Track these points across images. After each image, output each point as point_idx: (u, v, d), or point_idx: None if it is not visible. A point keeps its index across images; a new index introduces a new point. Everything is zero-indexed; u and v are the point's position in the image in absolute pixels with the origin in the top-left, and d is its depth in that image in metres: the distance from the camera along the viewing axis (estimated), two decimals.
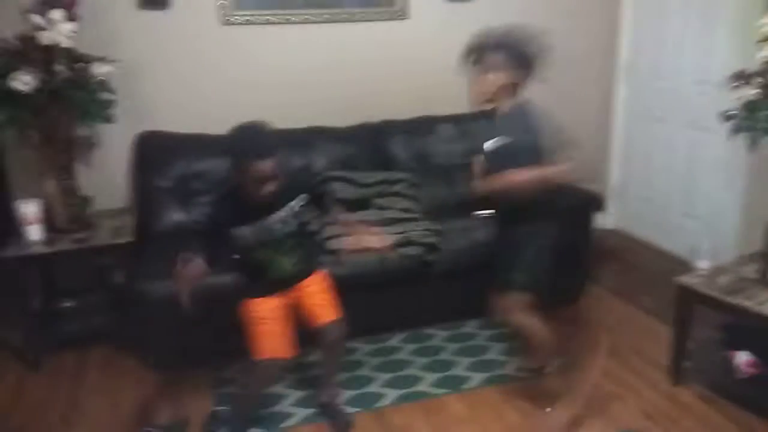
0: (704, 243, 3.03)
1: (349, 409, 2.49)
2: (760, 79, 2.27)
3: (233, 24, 3.32)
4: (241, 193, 2.10)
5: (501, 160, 2.13)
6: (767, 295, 2.32)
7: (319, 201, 2.40)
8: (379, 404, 2.53)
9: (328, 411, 2.45)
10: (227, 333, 2.23)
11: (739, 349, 2.47)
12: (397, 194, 3.25)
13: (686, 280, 2.53)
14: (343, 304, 2.75)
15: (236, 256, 2.23)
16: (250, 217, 2.12)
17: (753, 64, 2.37)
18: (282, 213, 2.17)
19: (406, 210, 3.16)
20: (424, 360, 2.82)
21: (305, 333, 2.28)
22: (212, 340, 2.25)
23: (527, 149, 2.10)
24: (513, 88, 2.14)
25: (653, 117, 3.93)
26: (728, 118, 2.43)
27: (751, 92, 2.28)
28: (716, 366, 2.54)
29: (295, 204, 2.20)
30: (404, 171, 3.38)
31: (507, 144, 2.12)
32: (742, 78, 2.36)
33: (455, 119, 3.45)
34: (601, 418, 2.42)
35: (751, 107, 2.27)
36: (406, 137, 3.48)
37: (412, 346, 2.93)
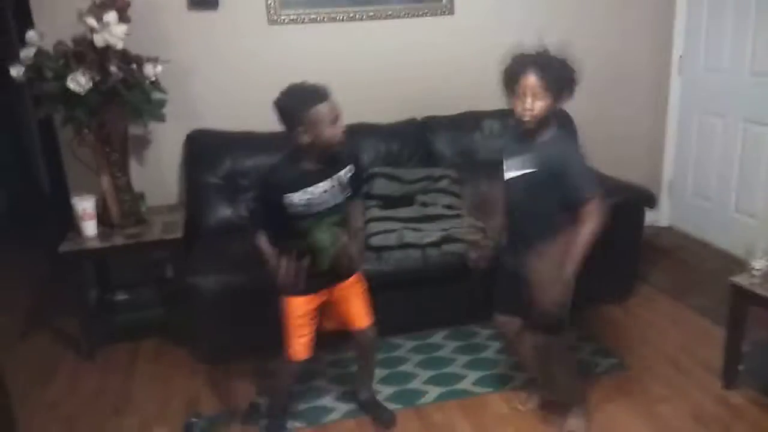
0: (760, 241, 2.91)
1: (390, 406, 2.50)
2: None
3: (280, 23, 3.37)
4: (294, 158, 2.06)
5: (530, 189, 2.05)
6: None
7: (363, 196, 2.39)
8: (420, 401, 2.53)
9: (369, 407, 2.47)
10: (275, 324, 2.26)
11: None
12: (440, 191, 3.25)
13: (740, 279, 2.44)
14: (386, 300, 2.78)
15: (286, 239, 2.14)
16: (300, 183, 2.04)
17: None
18: (330, 181, 2.08)
19: (449, 207, 3.15)
20: (466, 358, 2.80)
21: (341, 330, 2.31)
22: (260, 331, 2.30)
23: (565, 180, 1.98)
24: (548, 111, 2.01)
25: (709, 111, 3.79)
26: None
27: None
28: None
29: (344, 174, 2.12)
30: (448, 167, 3.37)
31: (539, 175, 2.02)
32: None
33: (500, 115, 3.41)
34: (648, 423, 2.36)
35: None
36: (450, 133, 3.47)
37: (454, 344, 2.92)
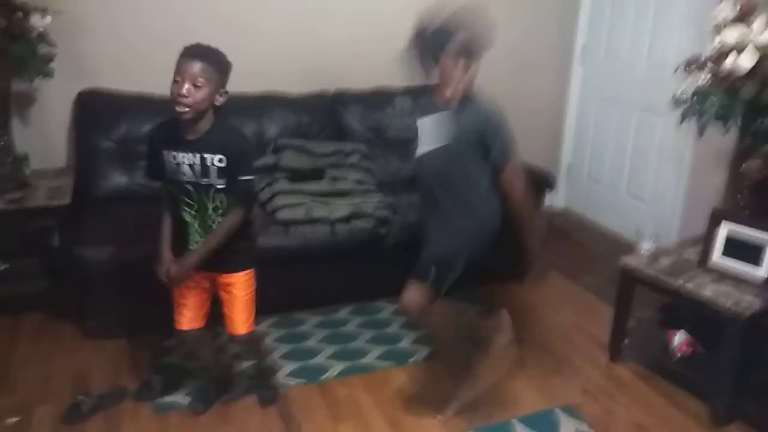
0: (648, 225, 3.11)
1: (293, 381, 2.46)
2: (712, 66, 2.30)
3: None
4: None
5: (448, 158, 2.05)
6: (706, 277, 2.39)
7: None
8: (323, 377, 2.51)
9: (255, 384, 2.42)
10: (170, 298, 2.15)
11: (676, 328, 2.55)
12: (350, 165, 3.21)
13: (628, 261, 2.59)
14: (292, 275, 2.74)
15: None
16: (171, 143, 1.93)
17: (706, 51, 2.40)
18: (192, 157, 1.92)
19: (359, 182, 3.12)
20: (371, 333, 2.81)
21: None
22: (154, 306, 2.18)
23: (488, 144, 2.01)
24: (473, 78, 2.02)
25: (607, 98, 3.98)
26: (679, 102, 2.47)
27: (702, 78, 2.31)
28: (654, 345, 2.61)
29: (210, 158, 1.92)
30: (359, 142, 3.34)
31: (463, 141, 2.02)
32: (695, 64, 2.39)
33: (413, 92, 3.40)
34: (541, 393, 2.47)
35: (701, 93, 2.30)
36: (361, 108, 3.43)
37: (359, 319, 2.92)
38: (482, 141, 2.02)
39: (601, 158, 4.06)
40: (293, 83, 3.39)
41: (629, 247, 3.02)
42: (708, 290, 2.30)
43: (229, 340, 2.40)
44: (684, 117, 2.40)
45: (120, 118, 2.99)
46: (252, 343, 2.32)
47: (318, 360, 2.61)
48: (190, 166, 1.93)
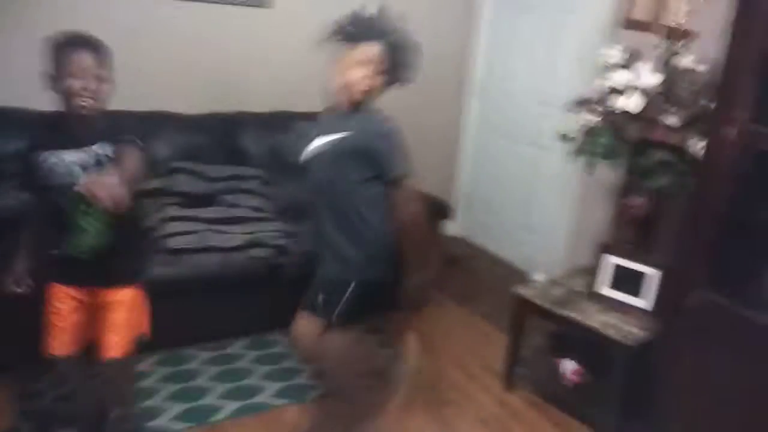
0: (540, 256, 3.25)
1: (180, 425, 2.29)
2: (598, 107, 2.43)
3: None
4: (56, 115, 1.79)
5: (334, 161, 1.90)
6: (593, 307, 2.49)
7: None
8: (214, 418, 2.35)
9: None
10: (32, 335, 1.92)
11: (565, 356, 2.63)
12: (247, 191, 3.09)
13: (521, 291, 2.66)
14: (181, 307, 2.56)
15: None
16: (55, 143, 1.77)
17: (592, 91, 2.54)
18: (85, 153, 1.76)
19: (256, 209, 3.01)
20: (266, 368, 2.68)
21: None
22: (18, 343, 1.93)
23: (377, 156, 1.87)
24: (377, 90, 1.89)
25: (500, 133, 4.13)
26: (566, 139, 2.59)
27: (591, 118, 2.43)
28: (545, 373, 2.69)
29: (101, 149, 1.76)
30: (256, 167, 3.22)
31: (351, 141, 1.85)
32: (584, 104, 2.51)
33: (313, 117, 3.35)
34: (438, 425, 2.46)
35: (591, 133, 2.42)
36: (260, 131, 3.32)
37: (253, 353, 2.78)
38: (372, 155, 1.87)
39: (495, 189, 4.20)
40: (185, 102, 3.22)
41: (522, 276, 3.14)
42: (596, 320, 2.40)
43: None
44: (575, 154, 2.51)
45: None
46: (122, 370, 2.01)
47: (208, 400, 2.45)
48: (81, 163, 1.76)
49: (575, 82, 3.40)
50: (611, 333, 2.32)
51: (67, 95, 1.71)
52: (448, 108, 4.25)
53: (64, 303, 1.90)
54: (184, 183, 2.97)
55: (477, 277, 3.91)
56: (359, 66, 1.83)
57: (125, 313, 1.92)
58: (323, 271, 2.04)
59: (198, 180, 3.01)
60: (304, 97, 3.25)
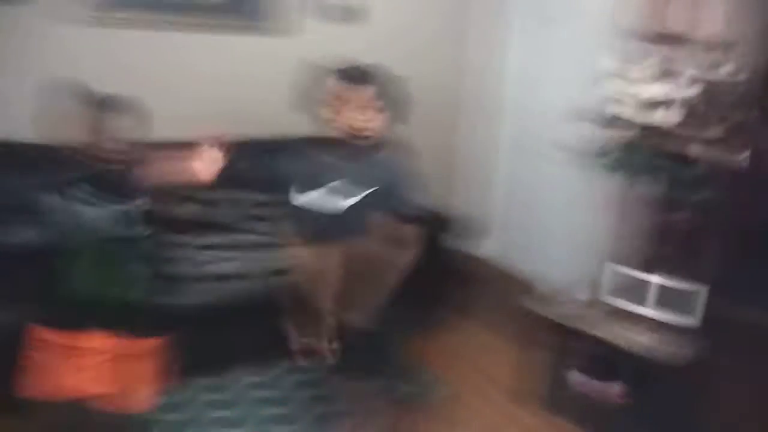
0: (556, 271, 3.17)
1: None
2: (633, 121, 2.39)
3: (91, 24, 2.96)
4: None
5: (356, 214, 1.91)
6: (601, 318, 2.45)
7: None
8: None
9: None
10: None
11: (610, 380, 2.55)
12: (257, 218, 3.10)
13: (531, 305, 2.63)
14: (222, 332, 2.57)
15: None
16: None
17: (624, 105, 2.48)
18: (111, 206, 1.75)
19: (267, 235, 2.99)
20: (305, 393, 2.66)
21: None
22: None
23: (397, 198, 1.92)
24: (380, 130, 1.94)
25: (528, 150, 4.06)
26: (598, 153, 2.54)
27: (626, 133, 2.39)
28: (557, 387, 2.63)
29: (135, 204, 1.78)
30: (263, 193, 3.18)
31: (375, 196, 1.89)
32: (615, 118, 2.47)
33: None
34: None
35: (628, 148, 2.38)
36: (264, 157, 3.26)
37: (291, 379, 2.76)
38: (392, 198, 1.92)
39: (517, 207, 4.15)
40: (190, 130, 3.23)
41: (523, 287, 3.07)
42: (636, 341, 2.33)
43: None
44: (612, 169, 2.47)
45: None
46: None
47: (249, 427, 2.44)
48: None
49: (601, 95, 3.35)
50: (653, 355, 2.26)
51: None
52: (482, 126, 4.22)
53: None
54: (194, 211, 2.97)
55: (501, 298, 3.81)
56: (361, 108, 1.88)
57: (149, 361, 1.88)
58: None
59: (204, 206, 3.01)
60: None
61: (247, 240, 2.96)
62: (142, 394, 1.89)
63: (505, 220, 4.35)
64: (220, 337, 2.67)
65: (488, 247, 4.30)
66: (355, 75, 1.91)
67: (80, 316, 1.81)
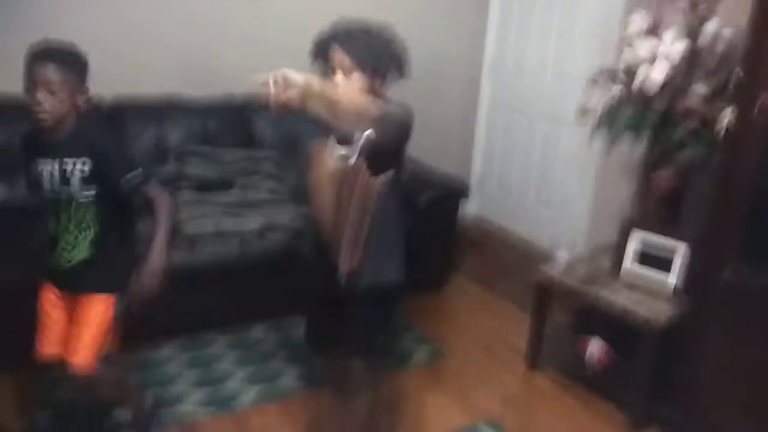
0: (560, 234, 3.17)
1: (202, 410, 2.28)
2: (623, 78, 2.35)
3: None
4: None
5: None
6: (619, 286, 2.44)
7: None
8: (236, 403, 2.34)
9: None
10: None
11: (591, 334, 2.58)
12: (262, 174, 3.04)
13: (544, 270, 2.61)
14: (200, 293, 2.54)
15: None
16: (34, 150, 1.79)
17: (613, 62, 2.45)
18: (52, 164, 1.76)
19: (271, 191, 2.97)
20: (286, 352, 2.65)
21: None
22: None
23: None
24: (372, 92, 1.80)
25: (515, 109, 4.04)
26: (585, 113, 2.51)
27: (615, 90, 2.35)
28: (570, 352, 2.64)
29: (73, 164, 1.75)
30: (270, 149, 3.17)
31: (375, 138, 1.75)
32: (605, 75, 2.43)
33: None
34: (461, 406, 2.43)
35: (614, 106, 2.34)
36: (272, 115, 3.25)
37: (274, 337, 2.76)
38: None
39: (510, 167, 4.12)
40: (197, 85, 3.17)
41: (541, 255, 3.08)
42: (622, 299, 2.35)
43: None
44: (596, 128, 2.44)
45: None
46: (87, 383, 1.90)
47: (230, 385, 2.43)
48: (50, 174, 1.77)
49: (590, 53, 3.32)
50: (639, 312, 2.27)
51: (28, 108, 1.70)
52: (461, 85, 4.17)
53: (44, 303, 1.89)
54: (197, 167, 2.94)
55: (497, 257, 3.86)
56: (346, 74, 1.76)
57: (91, 323, 1.85)
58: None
59: (211, 163, 2.97)
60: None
61: (257, 197, 2.91)
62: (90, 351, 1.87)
63: (485, 179, 4.36)
64: (234, 292, 2.69)
65: (471, 209, 4.31)
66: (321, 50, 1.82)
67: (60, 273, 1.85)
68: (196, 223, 2.65)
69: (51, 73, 1.66)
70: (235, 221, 2.71)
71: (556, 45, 3.69)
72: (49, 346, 1.87)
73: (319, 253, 1.94)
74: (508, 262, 3.76)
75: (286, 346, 2.69)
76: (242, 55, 3.30)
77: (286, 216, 2.80)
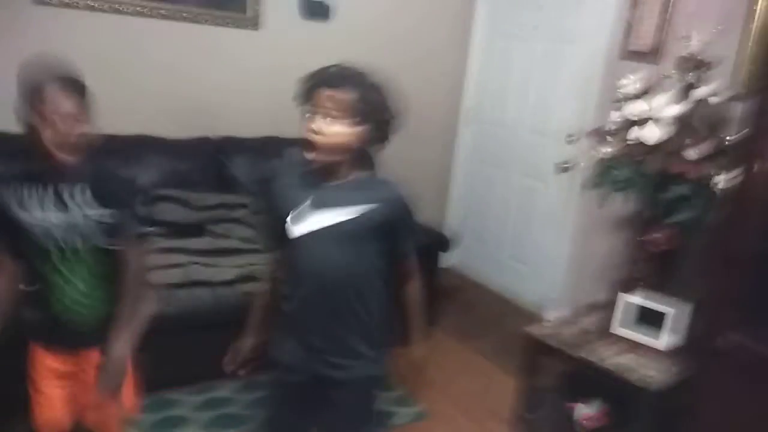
0: (538, 291, 3.13)
1: None
2: (615, 138, 2.34)
3: (47, 4, 2.76)
4: (33, 153, 1.54)
5: (357, 239, 1.55)
6: (610, 348, 2.36)
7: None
8: None
9: None
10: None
11: (580, 401, 2.49)
12: (236, 221, 2.90)
13: (532, 331, 2.51)
14: (164, 347, 2.33)
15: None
16: (33, 185, 1.55)
17: (607, 122, 2.45)
18: (68, 201, 1.55)
19: (246, 240, 2.82)
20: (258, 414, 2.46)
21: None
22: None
23: (401, 229, 1.61)
24: (362, 149, 1.57)
25: (492, 162, 4.03)
26: (566, 169, 2.48)
27: (607, 150, 2.33)
28: (558, 418, 2.54)
29: (81, 192, 1.57)
30: (245, 195, 3.04)
31: (380, 214, 1.54)
32: (597, 134, 2.42)
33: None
34: None
35: (607, 164, 2.32)
36: (249, 158, 3.14)
37: (247, 397, 2.56)
38: (395, 228, 1.59)
39: (486, 220, 4.08)
40: (171, 126, 3.04)
41: (520, 311, 2.99)
42: (614, 362, 2.27)
43: None
44: (588, 186, 2.41)
45: None
46: None
47: None
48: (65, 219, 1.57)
49: (571, 113, 3.35)
50: (632, 376, 2.19)
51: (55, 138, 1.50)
52: (439, 135, 4.14)
53: (42, 372, 1.66)
54: (169, 211, 2.78)
55: (475, 312, 3.75)
56: (335, 116, 1.49)
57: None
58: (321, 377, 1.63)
59: (184, 208, 2.81)
60: (293, 123, 3.10)
61: (232, 245, 2.77)
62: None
63: (461, 231, 4.29)
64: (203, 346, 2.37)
65: (446, 260, 4.23)
66: (335, 76, 1.55)
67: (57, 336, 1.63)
68: (165, 273, 2.47)
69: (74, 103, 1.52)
70: (208, 271, 2.54)
71: (536, 99, 3.71)
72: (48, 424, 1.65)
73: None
74: (485, 318, 3.66)
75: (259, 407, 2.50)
76: (220, 98, 3.21)
77: (260, 266, 2.64)
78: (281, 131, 3.18)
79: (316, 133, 1.48)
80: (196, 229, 2.77)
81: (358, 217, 1.53)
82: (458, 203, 4.29)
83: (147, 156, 2.89)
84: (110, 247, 1.61)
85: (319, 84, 1.51)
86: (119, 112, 2.89)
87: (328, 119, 1.48)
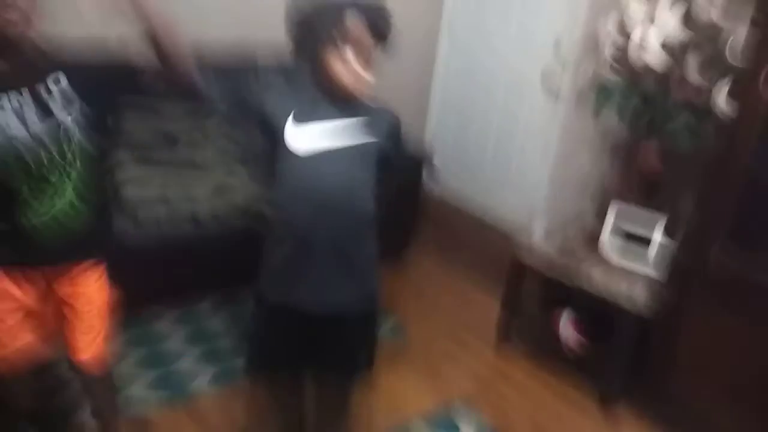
0: (520, 209, 3.07)
1: (153, 394, 2.04)
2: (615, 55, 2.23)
3: None
4: None
5: (358, 165, 1.49)
6: (597, 263, 2.35)
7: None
8: (190, 386, 2.11)
9: None
10: None
11: (561, 308, 2.52)
12: (210, 131, 2.73)
13: (521, 241, 2.51)
14: (142, 267, 2.23)
15: None
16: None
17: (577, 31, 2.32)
18: (21, 97, 1.34)
19: (222, 151, 2.67)
20: (238, 329, 2.43)
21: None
22: None
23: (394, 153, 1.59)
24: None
25: (474, 77, 3.88)
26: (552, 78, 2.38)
27: (604, 61, 2.24)
28: (543, 326, 2.57)
29: (56, 84, 1.38)
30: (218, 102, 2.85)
31: (378, 146, 1.51)
32: (593, 42, 2.32)
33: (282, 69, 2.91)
34: (432, 385, 2.33)
35: (603, 83, 2.23)
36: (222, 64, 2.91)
37: (224, 313, 2.52)
38: (389, 154, 1.57)
39: (467, 136, 3.98)
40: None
41: (498, 225, 2.93)
42: (602, 274, 2.27)
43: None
44: (579, 101, 2.33)
45: None
46: (101, 378, 1.60)
47: (181, 366, 2.20)
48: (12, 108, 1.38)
49: (558, 19, 3.20)
50: (618, 299, 2.20)
51: None
52: (418, 49, 3.94)
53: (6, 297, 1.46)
54: (136, 122, 2.59)
55: (452, 227, 3.72)
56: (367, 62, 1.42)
57: (93, 294, 1.50)
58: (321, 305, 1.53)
59: (153, 118, 2.63)
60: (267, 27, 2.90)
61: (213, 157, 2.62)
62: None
63: (438, 146, 4.21)
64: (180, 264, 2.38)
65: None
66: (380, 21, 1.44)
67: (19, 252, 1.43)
68: (138, 187, 2.34)
69: None
70: (182, 184, 2.42)
71: (519, 7, 3.53)
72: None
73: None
74: (464, 231, 3.63)
75: (237, 323, 2.47)
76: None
77: (237, 179, 2.54)
78: (248, 35, 2.95)
79: (358, 79, 1.40)
80: (168, 140, 2.61)
81: (367, 142, 1.48)
82: (437, 120, 4.16)
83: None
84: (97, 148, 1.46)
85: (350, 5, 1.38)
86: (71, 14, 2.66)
87: (362, 61, 1.39)
